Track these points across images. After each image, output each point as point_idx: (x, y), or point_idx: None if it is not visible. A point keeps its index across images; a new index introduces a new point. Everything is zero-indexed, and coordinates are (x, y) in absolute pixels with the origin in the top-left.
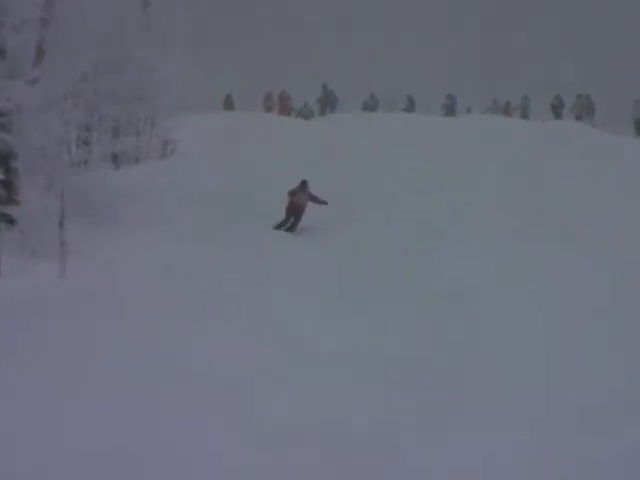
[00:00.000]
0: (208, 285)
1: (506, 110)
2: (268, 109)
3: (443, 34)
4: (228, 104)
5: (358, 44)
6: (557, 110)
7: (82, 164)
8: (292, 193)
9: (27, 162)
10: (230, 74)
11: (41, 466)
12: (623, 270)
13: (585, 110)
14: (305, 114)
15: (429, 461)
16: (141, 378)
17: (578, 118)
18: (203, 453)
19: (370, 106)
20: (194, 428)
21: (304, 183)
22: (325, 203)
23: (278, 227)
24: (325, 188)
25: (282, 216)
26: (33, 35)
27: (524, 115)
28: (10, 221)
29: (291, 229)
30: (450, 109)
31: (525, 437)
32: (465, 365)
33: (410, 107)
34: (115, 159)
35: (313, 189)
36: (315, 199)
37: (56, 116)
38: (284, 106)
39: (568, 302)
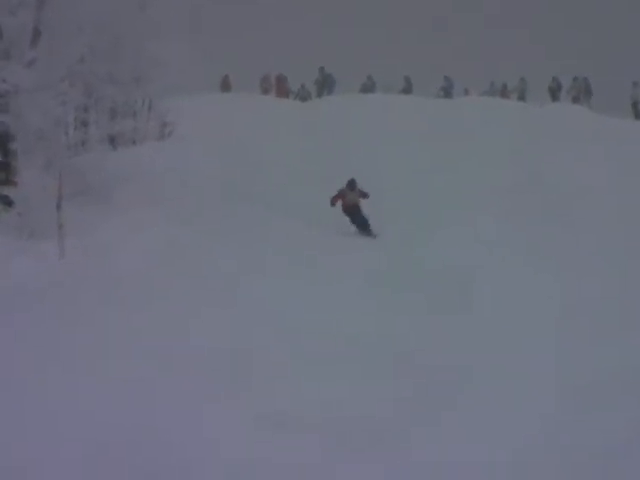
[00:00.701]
0: (205, 268)
1: (503, 92)
2: (265, 91)
3: (441, 15)
4: (225, 85)
5: (355, 26)
6: (554, 92)
7: (80, 145)
8: (338, 197)
9: (25, 144)
10: (227, 56)
11: (36, 454)
12: (622, 253)
13: (582, 92)
14: (302, 96)
15: (436, 455)
16: (138, 363)
17: (575, 100)
18: (201, 442)
19: (367, 88)
20: (191, 416)
21: (352, 182)
22: (368, 197)
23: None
24: (322, 169)
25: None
26: (29, 17)
27: (521, 97)
28: (8, 203)
29: (364, 230)
30: (447, 91)
31: (534, 432)
32: (468, 356)
33: (407, 89)
34: (112, 141)
35: (313, 169)
36: (364, 195)
37: (53, 97)
38: (281, 88)
39: (572, 288)
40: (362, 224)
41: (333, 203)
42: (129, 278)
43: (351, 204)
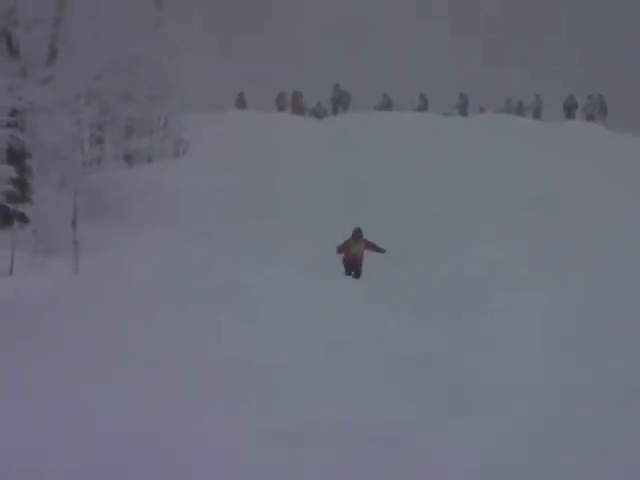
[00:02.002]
0: (218, 283)
1: (519, 110)
2: (281, 108)
3: (457, 33)
4: (241, 103)
5: (371, 43)
6: (570, 110)
7: (95, 163)
8: (345, 247)
9: (40, 161)
10: (243, 73)
11: (51, 462)
12: (630, 267)
13: (597, 110)
14: (318, 113)
15: (443, 459)
16: (151, 374)
17: (589, 118)
18: (206, 450)
19: (383, 105)
20: (202, 425)
21: (358, 232)
22: (383, 251)
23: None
24: (338, 186)
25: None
26: (46, 34)
27: (536, 115)
28: (24, 219)
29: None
30: (463, 109)
31: (535, 437)
32: (478, 365)
33: (423, 106)
34: (128, 158)
35: (329, 186)
36: (372, 247)
37: (69, 115)
38: (297, 105)
39: (582, 302)
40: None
41: (340, 252)
42: (142, 293)
43: (354, 257)
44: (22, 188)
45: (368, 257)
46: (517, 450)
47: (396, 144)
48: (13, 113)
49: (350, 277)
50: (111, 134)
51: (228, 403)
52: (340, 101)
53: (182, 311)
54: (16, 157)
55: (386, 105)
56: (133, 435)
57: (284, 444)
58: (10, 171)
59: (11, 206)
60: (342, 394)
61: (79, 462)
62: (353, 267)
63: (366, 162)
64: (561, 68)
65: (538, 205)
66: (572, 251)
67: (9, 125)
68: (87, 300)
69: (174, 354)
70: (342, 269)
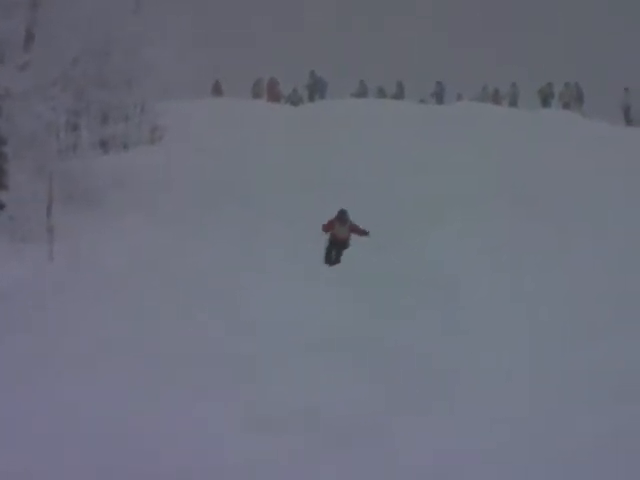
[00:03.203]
0: (194, 270)
1: (495, 98)
2: (257, 95)
3: (433, 21)
4: (217, 90)
5: (347, 30)
6: (546, 98)
7: (71, 149)
8: (329, 226)
9: (16, 147)
10: (219, 60)
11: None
12: (608, 252)
13: (573, 98)
14: (294, 100)
15: (417, 445)
16: (128, 363)
17: (566, 106)
18: (188, 435)
19: (359, 92)
20: (182, 412)
21: (343, 213)
22: (367, 234)
23: (328, 262)
24: (313, 173)
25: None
26: (23, 19)
27: (513, 103)
28: (0, 206)
29: (336, 260)
30: (439, 96)
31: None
32: (453, 350)
33: (399, 94)
34: (104, 145)
35: (304, 172)
36: (356, 230)
37: (45, 101)
38: (273, 92)
39: (557, 285)
40: (335, 258)
41: (325, 230)
42: (117, 281)
43: (341, 239)
44: None
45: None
46: (494, 435)
47: (372, 131)
48: None
49: (328, 262)
50: (87, 120)
51: (205, 391)
52: (316, 88)
53: (158, 298)
54: None
55: (362, 92)
56: (116, 422)
57: (262, 431)
58: None
59: None
60: (316, 382)
61: (65, 453)
62: (336, 247)
63: (342, 148)
64: (538, 56)
65: (515, 192)
66: (551, 236)
67: None
68: (62, 288)
69: (151, 342)
70: (319, 252)
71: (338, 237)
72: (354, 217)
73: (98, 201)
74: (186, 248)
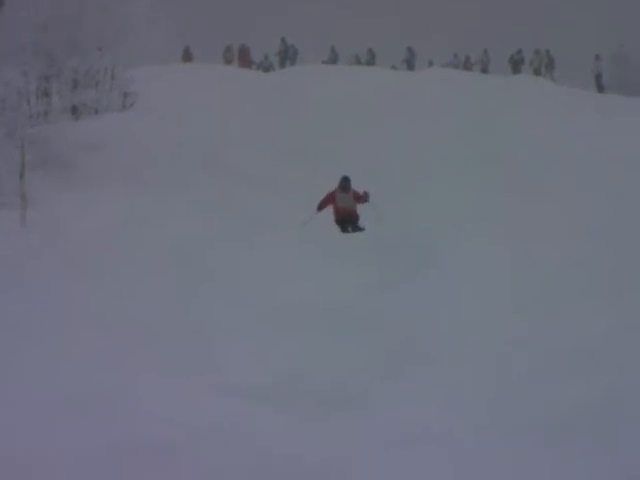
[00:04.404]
0: (167, 240)
1: (466, 64)
2: (228, 62)
3: None
4: (186, 56)
5: None
6: (516, 65)
7: (42, 115)
8: (329, 200)
9: None
10: (190, 26)
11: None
12: (581, 220)
13: (544, 65)
14: (265, 66)
15: (397, 413)
16: (97, 336)
17: (537, 73)
18: (157, 404)
19: (330, 59)
20: (152, 382)
21: (346, 181)
22: (368, 199)
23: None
24: (286, 140)
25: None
26: None
27: (484, 69)
28: None
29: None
30: (410, 63)
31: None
32: (427, 320)
33: (371, 60)
34: (75, 110)
35: (274, 137)
36: (360, 197)
37: (16, 67)
38: (244, 59)
39: (532, 252)
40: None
41: (320, 208)
42: (88, 246)
43: (347, 211)
44: None
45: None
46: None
47: (343, 99)
48: None
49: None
50: (58, 86)
51: (179, 362)
52: (287, 55)
53: (133, 268)
54: None
55: (333, 59)
56: (84, 393)
57: (234, 397)
58: None
59: None
60: (296, 351)
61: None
62: (348, 221)
63: (314, 116)
64: (509, 23)
65: (488, 160)
66: (525, 205)
67: None
68: (34, 255)
69: (121, 315)
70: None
71: (345, 210)
72: (330, 185)
73: (71, 167)
74: (162, 216)
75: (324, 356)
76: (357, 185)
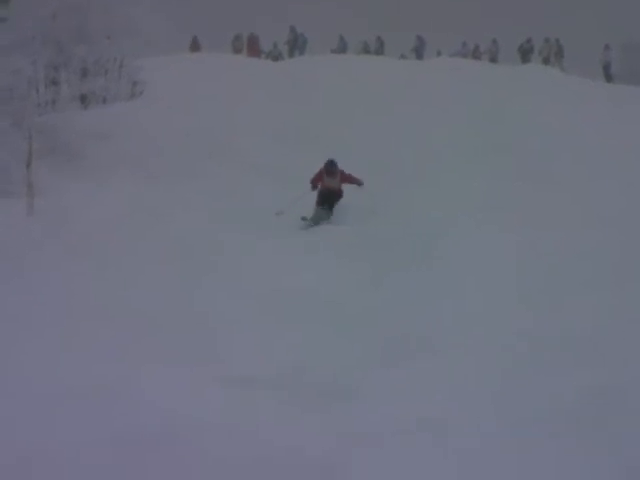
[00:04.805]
0: (171, 228)
1: (475, 53)
2: (237, 51)
3: None
4: (194, 46)
5: None
6: (525, 54)
7: (50, 104)
8: (318, 179)
9: None
10: (199, 17)
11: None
12: (592, 208)
13: (554, 54)
14: (274, 55)
15: (400, 403)
16: (101, 327)
17: (546, 62)
18: (160, 394)
19: (339, 48)
20: (154, 373)
21: (331, 164)
22: (361, 183)
23: (312, 221)
24: (294, 129)
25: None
26: None
27: (493, 59)
28: None
29: (322, 218)
30: (419, 52)
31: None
32: (431, 310)
33: (379, 49)
34: (83, 99)
35: (283, 126)
36: (349, 179)
37: (25, 56)
38: (253, 48)
39: (540, 241)
40: (326, 213)
41: (314, 185)
42: (96, 235)
43: (330, 189)
44: None
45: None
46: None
47: (352, 88)
48: None
49: (316, 221)
50: (66, 75)
51: (181, 353)
52: (296, 44)
53: (139, 258)
54: None
55: (342, 48)
56: (86, 385)
57: (237, 388)
58: None
59: None
60: (300, 343)
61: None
62: (327, 199)
63: (323, 105)
64: (516, 11)
65: (498, 148)
66: (536, 193)
67: None
68: (41, 244)
69: (132, 303)
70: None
71: (329, 188)
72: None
73: (79, 156)
74: (169, 205)
75: (327, 348)
76: (367, 173)
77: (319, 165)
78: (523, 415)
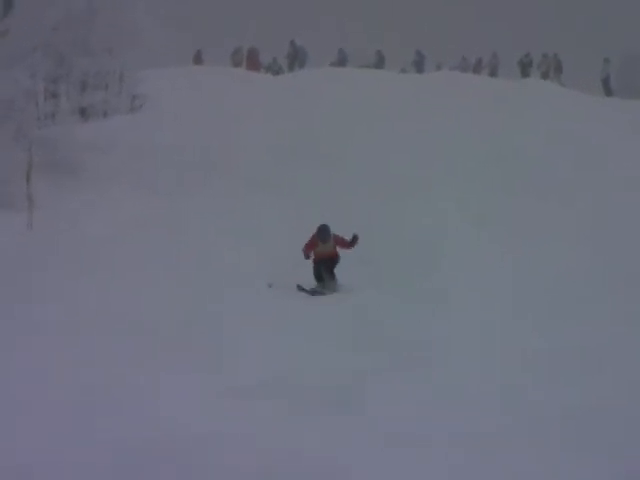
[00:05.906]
0: (175, 243)
1: (476, 67)
2: (237, 64)
3: None
4: (197, 60)
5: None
6: (525, 68)
7: (50, 117)
8: (311, 246)
9: None
10: (200, 28)
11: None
12: (591, 224)
13: (552, 68)
14: (274, 69)
15: (398, 413)
16: (105, 336)
17: (544, 76)
18: (162, 403)
19: (339, 62)
20: (158, 382)
21: (325, 230)
22: (354, 244)
23: (312, 292)
24: (295, 144)
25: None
26: None
27: (493, 73)
28: None
29: (326, 287)
30: (419, 66)
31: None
32: (428, 323)
33: (379, 63)
34: (83, 112)
35: (283, 141)
36: (343, 243)
37: (25, 69)
38: (253, 61)
39: (538, 255)
40: (328, 282)
41: (307, 255)
42: (95, 248)
43: (326, 257)
44: None
45: None
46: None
47: (352, 102)
48: None
49: (319, 280)
50: (66, 88)
51: (182, 363)
52: (296, 57)
53: (139, 270)
54: None
55: (342, 62)
56: (93, 388)
57: (238, 397)
58: None
59: None
60: (294, 352)
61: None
62: (326, 267)
63: (322, 120)
64: (519, 26)
65: (498, 163)
66: (535, 208)
67: None
68: (41, 257)
69: (131, 313)
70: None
71: (324, 254)
72: (339, 188)
73: (79, 169)
74: (169, 219)
75: (326, 358)
76: (366, 186)
77: (320, 180)
78: (521, 425)
